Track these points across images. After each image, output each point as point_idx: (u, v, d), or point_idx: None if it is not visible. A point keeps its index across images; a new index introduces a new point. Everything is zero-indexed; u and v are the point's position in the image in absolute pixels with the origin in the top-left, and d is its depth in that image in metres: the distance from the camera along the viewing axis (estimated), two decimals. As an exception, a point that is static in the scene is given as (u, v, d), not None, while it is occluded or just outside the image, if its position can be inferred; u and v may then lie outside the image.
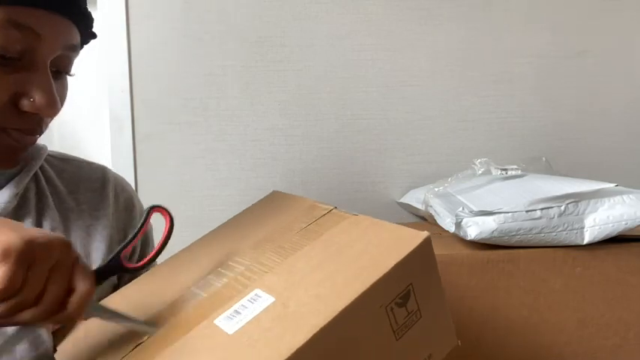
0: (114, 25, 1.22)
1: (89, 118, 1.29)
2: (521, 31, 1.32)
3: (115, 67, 1.23)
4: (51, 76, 0.53)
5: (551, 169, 1.20)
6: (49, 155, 0.68)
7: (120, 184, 0.72)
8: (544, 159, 1.22)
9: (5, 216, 0.58)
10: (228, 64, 1.26)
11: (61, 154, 0.70)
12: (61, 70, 0.56)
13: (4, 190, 0.59)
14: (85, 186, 0.68)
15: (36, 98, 0.52)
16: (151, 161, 1.26)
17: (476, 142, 1.32)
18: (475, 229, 0.90)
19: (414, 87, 1.30)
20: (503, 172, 1.10)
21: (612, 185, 0.94)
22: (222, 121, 1.27)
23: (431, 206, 1.08)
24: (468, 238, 0.91)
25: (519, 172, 1.10)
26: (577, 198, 0.91)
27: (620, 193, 0.93)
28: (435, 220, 1.07)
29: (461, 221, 0.92)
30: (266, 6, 1.26)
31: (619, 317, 0.94)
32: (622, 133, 1.37)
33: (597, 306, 0.93)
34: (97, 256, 0.66)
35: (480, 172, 1.12)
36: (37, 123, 0.55)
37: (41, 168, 0.65)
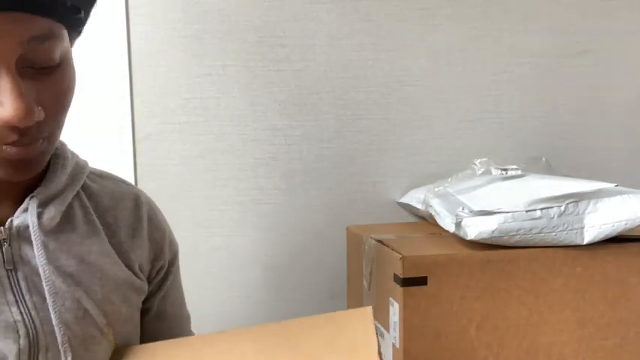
0: (114, 25, 1.22)
1: (89, 118, 1.29)
2: (521, 31, 1.32)
3: (115, 67, 1.23)
4: (18, 81, 0.47)
5: (551, 169, 1.20)
6: (89, 172, 0.68)
7: (153, 208, 0.74)
8: (544, 159, 1.22)
9: (48, 231, 0.59)
10: (228, 64, 1.26)
11: (98, 170, 0.71)
12: (42, 65, 0.49)
13: (50, 206, 0.59)
14: (123, 204, 0.69)
15: (3, 109, 0.46)
16: (151, 161, 1.26)
17: (476, 142, 1.32)
18: (475, 229, 0.90)
19: (414, 87, 1.30)
20: (503, 172, 1.10)
21: (612, 185, 0.94)
22: (222, 121, 1.27)
23: (431, 206, 1.08)
24: (468, 238, 0.91)
25: (519, 172, 1.10)
26: (577, 198, 0.91)
27: (620, 193, 0.93)
28: (435, 220, 1.07)
29: (461, 221, 0.92)
30: (266, 6, 1.25)
31: (619, 317, 0.94)
32: (622, 133, 1.37)
33: (597, 306, 0.93)
34: (125, 274, 0.67)
35: (480, 172, 1.12)
36: (23, 134, 0.49)
37: (83, 185, 0.66)
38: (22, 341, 0.55)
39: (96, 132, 1.29)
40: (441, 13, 1.30)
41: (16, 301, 0.56)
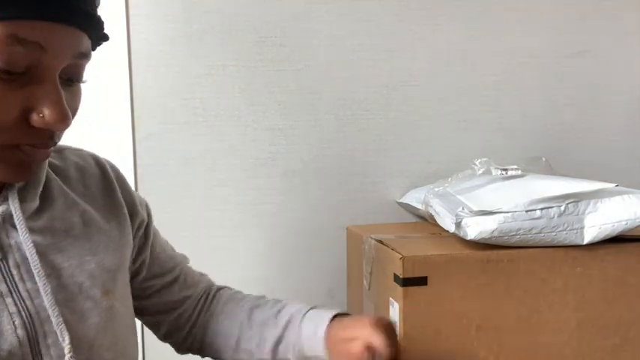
0: (114, 25, 1.22)
1: (89, 118, 1.29)
2: (521, 31, 1.32)
3: (115, 67, 1.23)
4: (60, 88, 0.52)
5: (551, 169, 1.20)
6: None
7: (114, 167, 0.75)
8: (544, 159, 1.22)
9: (31, 215, 0.59)
10: (228, 64, 1.26)
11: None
12: (72, 78, 0.54)
13: (27, 191, 0.60)
14: (90, 173, 0.70)
15: (46, 113, 0.50)
16: (151, 161, 1.26)
17: (476, 142, 1.32)
18: (475, 229, 0.90)
19: (414, 87, 1.30)
20: (504, 172, 1.10)
21: (612, 185, 0.94)
22: (222, 121, 1.27)
23: (431, 206, 1.08)
24: (468, 238, 0.91)
25: (519, 172, 1.10)
26: (577, 198, 0.91)
27: (620, 193, 0.93)
28: (435, 220, 1.07)
29: (461, 221, 0.92)
30: (266, 6, 1.25)
31: (619, 317, 0.94)
32: (622, 133, 1.37)
33: (597, 306, 0.93)
34: (114, 234, 0.68)
35: (480, 172, 1.12)
36: (50, 137, 0.53)
37: (48, 163, 0.66)
38: (19, 332, 0.55)
39: (96, 132, 1.29)
40: (441, 13, 1.30)
41: (10, 292, 0.56)
